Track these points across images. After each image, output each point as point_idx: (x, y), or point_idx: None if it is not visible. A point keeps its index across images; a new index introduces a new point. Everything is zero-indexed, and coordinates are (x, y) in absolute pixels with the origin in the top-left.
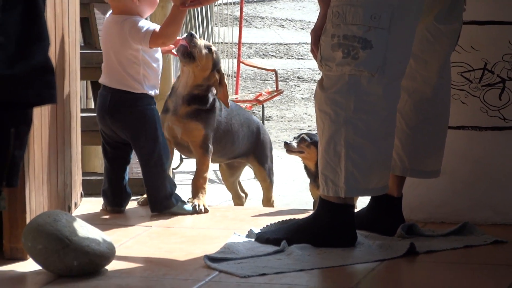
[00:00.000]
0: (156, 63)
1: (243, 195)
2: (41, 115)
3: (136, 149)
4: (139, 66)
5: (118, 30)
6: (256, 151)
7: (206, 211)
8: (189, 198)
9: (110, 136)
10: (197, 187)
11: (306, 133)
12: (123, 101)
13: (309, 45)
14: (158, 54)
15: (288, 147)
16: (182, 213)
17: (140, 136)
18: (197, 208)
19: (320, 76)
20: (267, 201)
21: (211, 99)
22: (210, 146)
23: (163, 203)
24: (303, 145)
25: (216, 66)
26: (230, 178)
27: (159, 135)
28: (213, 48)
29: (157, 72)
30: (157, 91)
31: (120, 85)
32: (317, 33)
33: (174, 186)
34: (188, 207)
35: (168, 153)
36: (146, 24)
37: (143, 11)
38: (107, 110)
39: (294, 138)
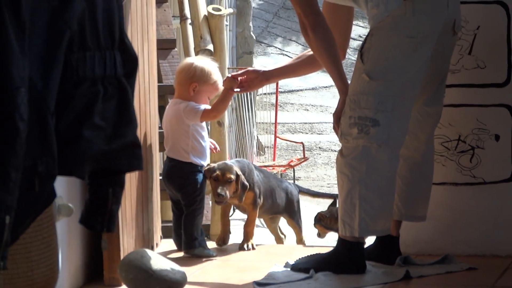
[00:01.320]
0: (201, 138)
1: (282, 236)
2: (131, 178)
3: (183, 201)
4: (188, 139)
5: (175, 110)
6: (287, 207)
7: (253, 248)
8: (240, 243)
9: (171, 194)
10: (248, 232)
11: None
12: (175, 167)
13: (328, 123)
14: (203, 131)
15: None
16: (203, 256)
17: (184, 192)
18: (247, 247)
19: (337, 147)
20: (299, 241)
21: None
22: (258, 200)
23: (188, 244)
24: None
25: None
26: (272, 224)
27: (198, 194)
28: (237, 173)
29: (203, 146)
30: (204, 162)
31: (174, 154)
32: (338, 115)
33: (202, 234)
34: (208, 251)
35: (202, 210)
36: (199, 105)
37: (198, 100)
38: (165, 174)
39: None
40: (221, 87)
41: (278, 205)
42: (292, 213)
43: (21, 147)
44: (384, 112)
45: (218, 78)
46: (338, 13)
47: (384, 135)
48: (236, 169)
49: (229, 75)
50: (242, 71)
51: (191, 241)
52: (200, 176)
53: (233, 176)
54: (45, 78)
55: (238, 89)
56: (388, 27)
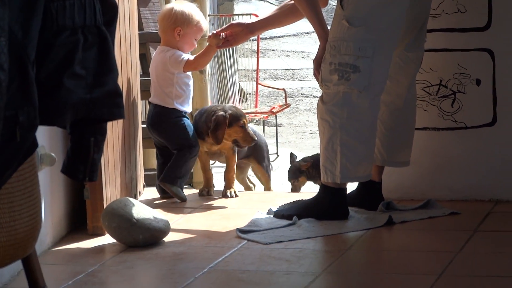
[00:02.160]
0: (186, 87)
1: (251, 185)
2: (113, 127)
3: (171, 149)
4: (172, 86)
5: (161, 57)
6: (255, 152)
7: (236, 195)
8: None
9: (156, 141)
10: (229, 178)
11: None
12: (160, 113)
13: (309, 70)
14: (188, 80)
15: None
16: (177, 195)
17: (171, 140)
18: (230, 194)
19: (319, 93)
20: (267, 190)
21: None
22: (235, 148)
23: (170, 178)
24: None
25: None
26: (240, 175)
27: (187, 138)
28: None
29: (187, 94)
30: (186, 108)
31: (158, 101)
32: (318, 61)
33: (186, 177)
34: (183, 195)
35: (194, 155)
36: (183, 54)
37: (182, 47)
38: (150, 120)
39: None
40: (204, 26)
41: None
42: (261, 158)
43: (1, 97)
44: (364, 58)
45: (200, 18)
46: None
47: (364, 81)
48: None
49: (214, 32)
50: (226, 25)
51: (174, 177)
52: (186, 121)
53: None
54: (25, 28)
55: (223, 45)
56: None
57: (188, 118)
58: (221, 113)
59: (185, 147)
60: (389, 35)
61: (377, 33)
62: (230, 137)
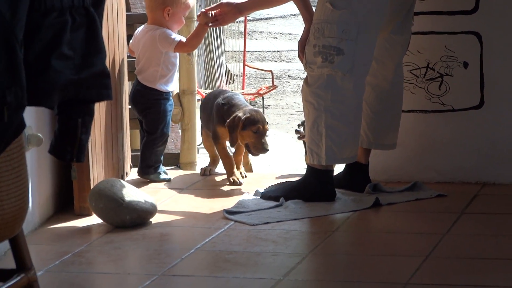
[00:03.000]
0: (172, 66)
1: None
2: (100, 108)
3: (145, 127)
4: (158, 66)
5: (150, 36)
6: None
7: (240, 183)
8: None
9: (138, 117)
10: (238, 161)
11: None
12: (141, 91)
13: (296, 52)
14: (175, 59)
15: (299, 133)
16: (158, 180)
17: (147, 118)
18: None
19: (305, 75)
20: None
21: None
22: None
23: (143, 170)
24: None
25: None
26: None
27: (160, 123)
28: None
29: (172, 73)
30: (170, 88)
31: (141, 78)
32: (303, 43)
33: (159, 161)
34: (163, 176)
35: (166, 138)
36: (174, 34)
37: (171, 26)
38: (131, 96)
39: (299, 125)
40: (192, 2)
41: None
42: None
43: None
44: (348, 40)
45: None
46: None
47: (348, 64)
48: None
49: (203, 10)
50: (215, 4)
51: (147, 167)
52: (164, 103)
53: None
54: (13, 8)
55: (212, 24)
56: None
57: (169, 100)
58: (239, 114)
59: (154, 133)
60: (373, 17)
61: (361, 16)
62: (243, 140)
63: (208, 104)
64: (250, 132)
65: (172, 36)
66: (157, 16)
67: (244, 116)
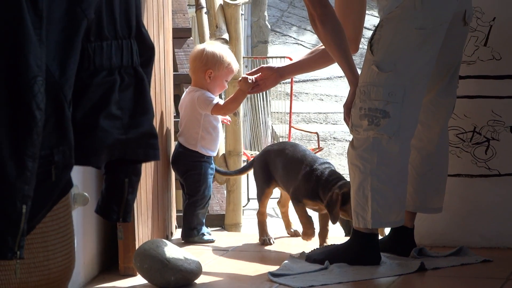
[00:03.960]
0: (213, 130)
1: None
2: (146, 168)
3: (186, 189)
4: (199, 128)
5: (190, 97)
6: None
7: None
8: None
9: (180, 180)
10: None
11: None
12: (181, 153)
13: (342, 114)
14: (217, 123)
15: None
16: (202, 242)
17: (188, 181)
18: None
19: (351, 138)
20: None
21: None
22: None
23: (187, 233)
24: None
25: None
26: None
27: (201, 185)
28: None
29: (214, 137)
30: (213, 153)
31: (183, 141)
32: (348, 106)
33: (202, 224)
34: (207, 237)
35: (207, 201)
36: (212, 96)
37: (213, 89)
38: (172, 159)
39: None
40: (235, 68)
41: None
42: None
43: (38, 136)
44: (394, 103)
45: (231, 59)
46: (350, 5)
47: (394, 127)
48: None
49: (245, 75)
50: (256, 68)
51: (190, 230)
52: (205, 166)
53: None
54: (63, 67)
55: (253, 90)
56: (397, 18)
57: (211, 164)
58: (336, 191)
59: (195, 195)
60: (419, 80)
61: (406, 78)
62: (343, 215)
63: (271, 159)
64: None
65: (209, 98)
66: (199, 78)
67: (341, 191)
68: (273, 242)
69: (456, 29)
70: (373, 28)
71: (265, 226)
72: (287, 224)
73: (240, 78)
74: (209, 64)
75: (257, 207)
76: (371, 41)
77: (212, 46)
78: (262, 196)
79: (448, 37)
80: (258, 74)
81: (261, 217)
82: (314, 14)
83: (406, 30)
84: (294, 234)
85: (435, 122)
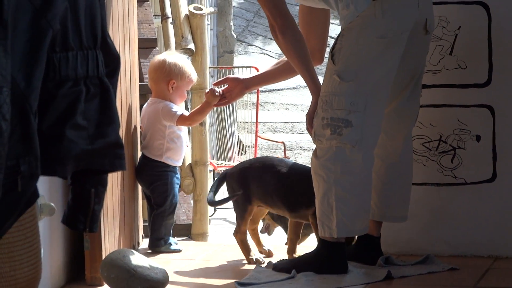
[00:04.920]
0: (177, 139)
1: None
2: (112, 178)
3: (153, 200)
4: (164, 139)
5: (153, 109)
6: None
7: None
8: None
9: (145, 191)
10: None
11: None
12: (146, 165)
13: None
14: (180, 132)
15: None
16: (169, 251)
17: (155, 192)
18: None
19: (315, 148)
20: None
21: None
22: None
23: (154, 243)
24: None
25: None
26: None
27: (168, 195)
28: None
29: (178, 146)
30: (178, 163)
31: (147, 152)
32: (311, 116)
33: (169, 234)
34: (174, 247)
35: (173, 210)
36: (177, 108)
37: (175, 99)
38: (137, 171)
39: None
40: (195, 78)
41: None
42: None
43: (3, 147)
44: (356, 112)
45: (191, 70)
46: (313, 15)
47: (357, 136)
48: None
49: (212, 88)
50: (222, 78)
51: (157, 240)
52: (171, 176)
53: None
54: (28, 78)
55: (219, 103)
56: (358, 27)
57: (176, 173)
58: None
59: (162, 205)
60: (381, 89)
61: (368, 87)
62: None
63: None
64: None
65: (174, 110)
66: (161, 88)
67: None
68: (263, 260)
69: (418, 38)
70: None
71: (248, 245)
72: (258, 242)
73: (207, 90)
74: (172, 75)
75: (226, 217)
76: (332, 50)
77: (173, 56)
78: (245, 214)
79: (410, 46)
80: (224, 86)
81: (243, 236)
82: (275, 25)
83: (367, 39)
84: (268, 253)
85: (399, 131)
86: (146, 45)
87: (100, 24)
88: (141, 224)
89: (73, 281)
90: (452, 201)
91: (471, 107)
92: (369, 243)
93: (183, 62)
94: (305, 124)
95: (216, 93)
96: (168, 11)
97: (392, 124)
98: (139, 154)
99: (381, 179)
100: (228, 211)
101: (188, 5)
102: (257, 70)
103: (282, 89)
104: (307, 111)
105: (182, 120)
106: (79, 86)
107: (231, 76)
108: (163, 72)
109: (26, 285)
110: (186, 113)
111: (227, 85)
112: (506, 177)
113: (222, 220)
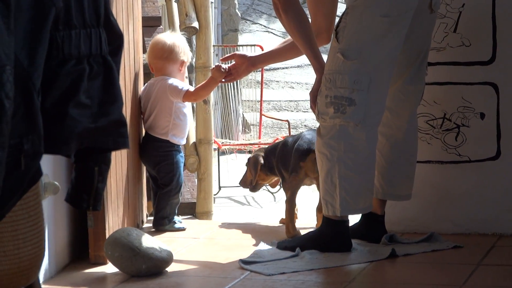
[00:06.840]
0: (183, 117)
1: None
2: (116, 157)
3: (160, 180)
4: (170, 116)
5: (161, 86)
6: None
7: None
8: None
9: (149, 170)
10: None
11: None
12: (151, 144)
13: None
14: (186, 109)
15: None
16: (173, 230)
17: (161, 172)
18: None
19: (318, 126)
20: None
21: None
22: None
23: (158, 221)
24: None
25: None
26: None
27: (174, 174)
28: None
29: (184, 124)
30: (182, 141)
31: (152, 131)
32: (314, 94)
33: (174, 213)
34: (178, 225)
35: (179, 189)
36: (182, 84)
37: (181, 78)
38: (141, 151)
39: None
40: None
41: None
42: None
43: (6, 125)
44: (359, 91)
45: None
46: None
47: (360, 114)
48: None
49: (218, 64)
50: (230, 54)
51: (161, 219)
52: (176, 155)
53: None
54: (31, 56)
55: (225, 80)
56: (362, 6)
57: (180, 152)
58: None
59: (169, 185)
60: (384, 67)
61: (372, 66)
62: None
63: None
64: None
65: (180, 86)
66: (171, 67)
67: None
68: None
69: (423, 16)
70: None
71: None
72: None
73: (213, 66)
74: (185, 55)
75: (230, 195)
76: (336, 28)
77: (177, 36)
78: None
79: (415, 24)
80: (231, 63)
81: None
82: (277, 3)
83: (371, 18)
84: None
85: (404, 109)
86: (150, 24)
87: (103, 3)
88: (145, 203)
89: (77, 259)
90: (456, 179)
91: (475, 85)
92: (374, 221)
93: (185, 41)
94: (309, 102)
95: (222, 70)
96: None
97: (397, 103)
98: (143, 131)
99: (385, 158)
100: (232, 190)
101: None
102: (262, 48)
103: (286, 68)
104: (310, 90)
105: (187, 95)
106: (82, 65)
107: (238, 52)
108: (177, 52)
109: (30, 263)
110: (192, 89)
111: (234, 62)
112: (510, 155)
113: (226, 199)
